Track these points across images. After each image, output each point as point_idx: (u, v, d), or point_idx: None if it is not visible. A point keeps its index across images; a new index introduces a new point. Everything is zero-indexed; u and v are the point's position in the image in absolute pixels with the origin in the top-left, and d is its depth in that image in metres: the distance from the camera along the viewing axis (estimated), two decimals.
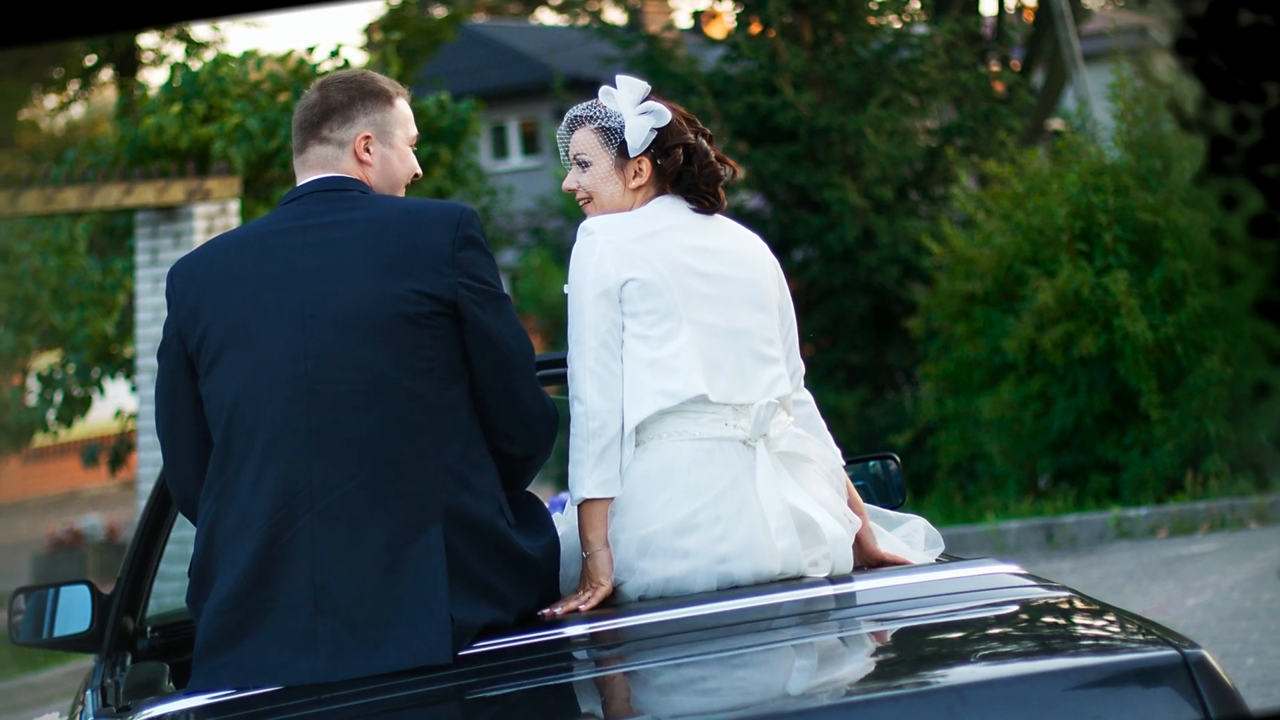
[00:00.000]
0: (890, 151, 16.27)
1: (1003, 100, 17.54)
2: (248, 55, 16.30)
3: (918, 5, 17.64)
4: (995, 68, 18.88)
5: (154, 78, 44.14)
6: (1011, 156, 15.13)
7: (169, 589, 9.98)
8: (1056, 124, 20.51)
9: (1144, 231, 13.47)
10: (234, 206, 14.09)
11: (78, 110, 39.04)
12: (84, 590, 4.35)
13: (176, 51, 33.33)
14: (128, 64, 32.29)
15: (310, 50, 16.66)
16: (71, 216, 15.93)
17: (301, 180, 3.88)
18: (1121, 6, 22.34)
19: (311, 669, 3.46)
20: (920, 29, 17.49)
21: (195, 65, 16.44)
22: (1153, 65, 14.47)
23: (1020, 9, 20.91)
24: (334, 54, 16.53)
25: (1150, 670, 3.11)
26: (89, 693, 4.10)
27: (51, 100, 34.97)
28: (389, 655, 3.45)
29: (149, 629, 4.60)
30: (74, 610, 4.31)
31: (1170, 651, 3.11)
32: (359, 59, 30.31)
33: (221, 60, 16.17)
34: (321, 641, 3.48)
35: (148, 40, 33.14)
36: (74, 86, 34.24)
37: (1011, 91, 17.97)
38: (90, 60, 32.96)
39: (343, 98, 3.91)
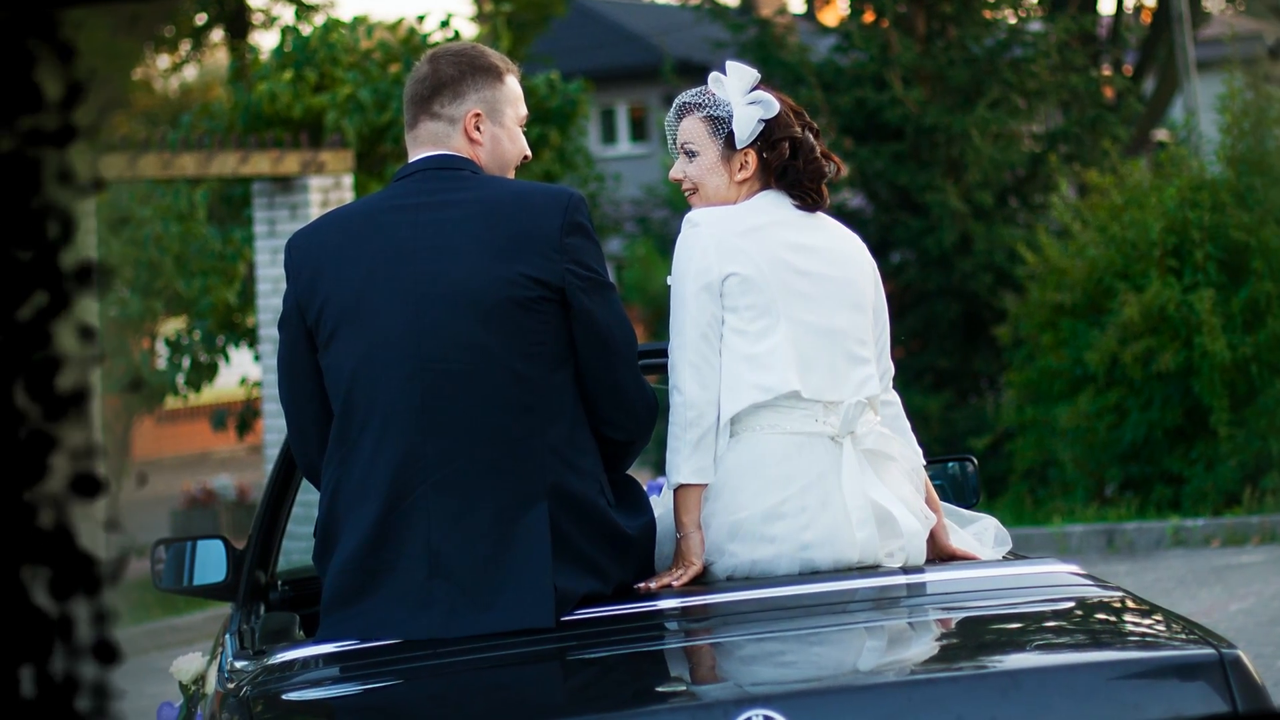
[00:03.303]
0: (994, 155, 16.05)
1: (1111, 107, 17.22)
2: (358, 22, 16.17)
3: (1035, 0, 17.31)
4: (1107, 72, 18.43)
5: (265, 41, 44.08)
6: (1113, 166, 14.92)
7: (296, 547, 10.27)
8: (1162, 134, 20.23)
9: (1235, 250, 13.37)
10: (348, 180, 14.12)
11: (190, 72, 39.10)
12: (219, 545, 4.53)
13: (286, 13, 33.28)
14: (238, 25, 31.98)
15: (420, 19, 16.48)
16: (190, 183, 15.89)
17: (413, 156, 3.92)
18: (1242, 11, 21.88)
19: (428, 625, 3.62)
20: (1035, 26, 17.14)
21: (305, 30, 16.29)
22: (1266, 74, 14.27)
23: (1139, 9, 20.53)
24: (444, 24, 16.36)
25: (1189, 666, 3.31)
26: (228, 636, 4.29)
27: (164, 60, 35.03)
28: (497, 617, 3.60)
29: (279, 582, 4.78)
30: (210, 562, 4.49)
31: (1209, 650, 3.30)
32: (469, 31, 30.10)
33: (332, 26, 16.01)
34: (436, 601, 3.63)
35: (257, 0, 33.06)
36: (185, 47, 34.23)
37: (1120, 98, 17.65)
38: (201, 19, 32.90)
39: (453, 72, 3.92)
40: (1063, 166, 16.23)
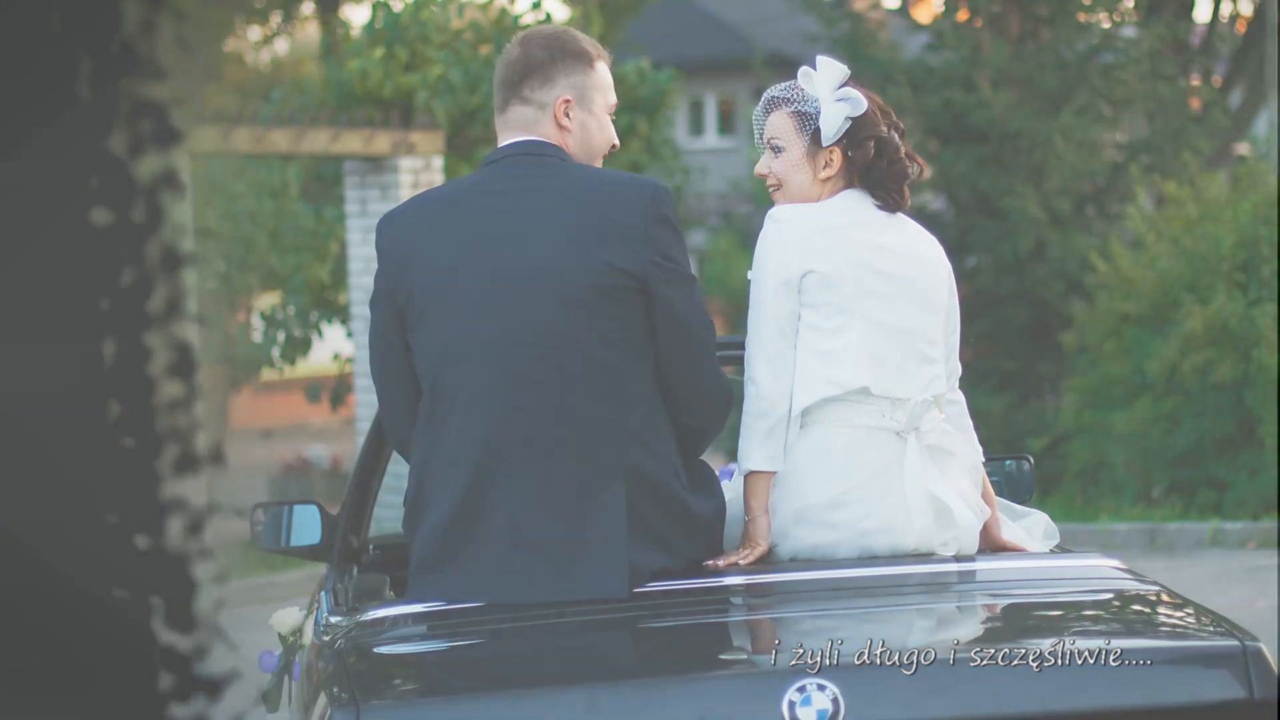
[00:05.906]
0: (1076, 163, 15.99)
1: (1196, 118, 17.09)
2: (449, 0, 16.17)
3: (1130, 4, 17.16)
4: (1195, 82, 18.25)
5: (356, 16, 44.01)
6: (1192, 179, 14.88)
7: (386, 514, 10.59)
8: (1244, 148, 20.07)
9: None
10: (438, 162, 14.16)
11: (281, 46, 39.24)
12: (314, 510, 4.71)
13: None
14: None
15: (512, 0, 16.44)
16: (282, 159, 15.95)
17: (502, 140, 3.95)
18: None
19: (510, 591, 3.77)
20: (1129, 31, 17.04)
21: (397, 6, 16.14)
22: None
23: (1234, 18, 20.39)
24: (536, 5, 16.23)
25: (1212, 655, 3.53)
26: (323, 594, 4.51)
27: (255, 32, 35.16)
28: (576, 586, 3.75)
29: (371, 547, 4.96)
30: (306, 526, 4.69)
31: (1232, 642, 3.51)
32: (561, 14, 29.98)
33: (423, 3, 15.90)
34: (518, 569, 3.77)
35: None
36: (276, 19, 34.35)
37: (1206, 109, 17.51)
38: None
39: (544, 55, 3.94)
40: (1142, 176, 16.16)
